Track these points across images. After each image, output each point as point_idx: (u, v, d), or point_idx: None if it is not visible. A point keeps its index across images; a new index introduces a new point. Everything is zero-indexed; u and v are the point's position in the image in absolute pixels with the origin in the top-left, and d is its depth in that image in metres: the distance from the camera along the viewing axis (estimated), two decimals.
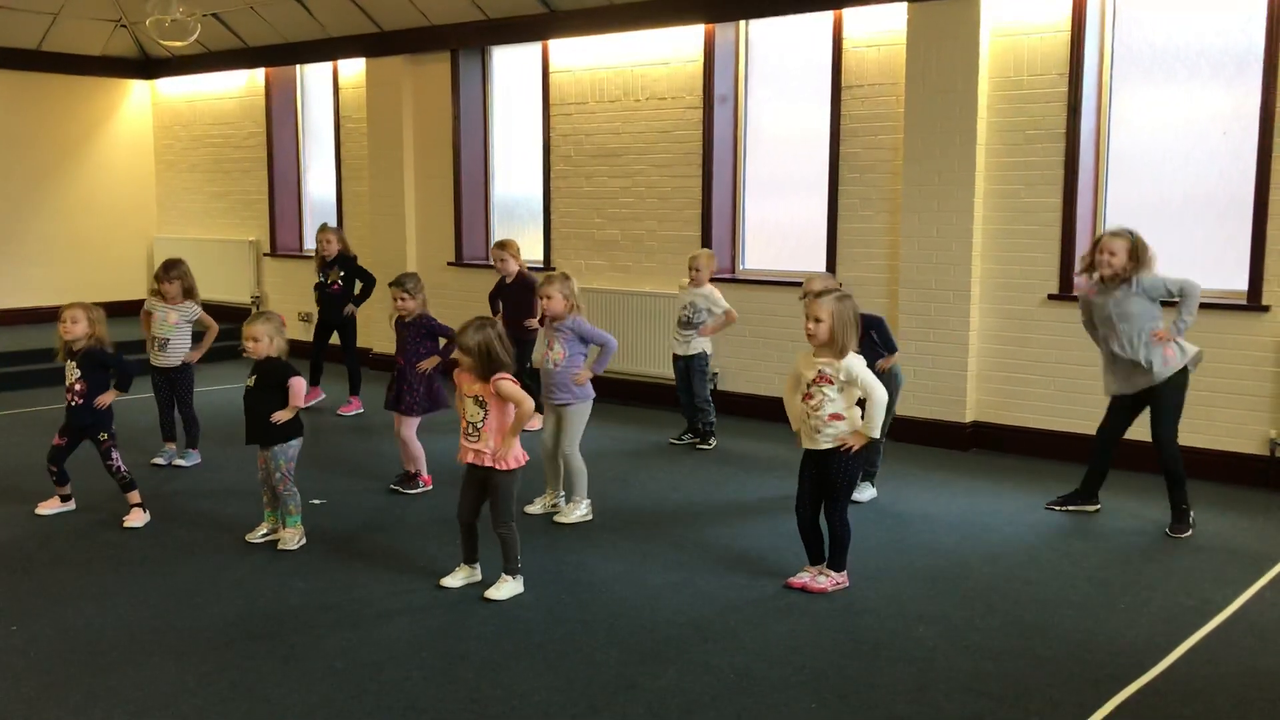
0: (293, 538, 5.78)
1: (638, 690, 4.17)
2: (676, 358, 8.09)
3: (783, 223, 9.18)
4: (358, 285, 9.37)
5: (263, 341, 5.71)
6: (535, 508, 6.38)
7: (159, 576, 5.39)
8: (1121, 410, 6.29)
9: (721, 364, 9.02)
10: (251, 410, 5.77)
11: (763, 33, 9.08)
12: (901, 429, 8.10)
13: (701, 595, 5.14)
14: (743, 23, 9.06)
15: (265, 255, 12.75)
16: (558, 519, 6.22)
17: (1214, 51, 7.20)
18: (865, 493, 6.66)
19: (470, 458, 5.09)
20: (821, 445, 5.04)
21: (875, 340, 6.47)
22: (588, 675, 4.29)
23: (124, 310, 11.55)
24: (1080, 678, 4.30)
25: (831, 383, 4.98)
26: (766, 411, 8.53)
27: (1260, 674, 4.36)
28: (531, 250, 10.09)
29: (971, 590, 5.23)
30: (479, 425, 5.04)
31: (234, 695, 4.13)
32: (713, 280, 8.11)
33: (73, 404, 6.13)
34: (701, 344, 8.02)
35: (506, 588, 5.09)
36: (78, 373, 6.11)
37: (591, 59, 9.74)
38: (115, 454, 6.18)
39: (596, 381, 6.36)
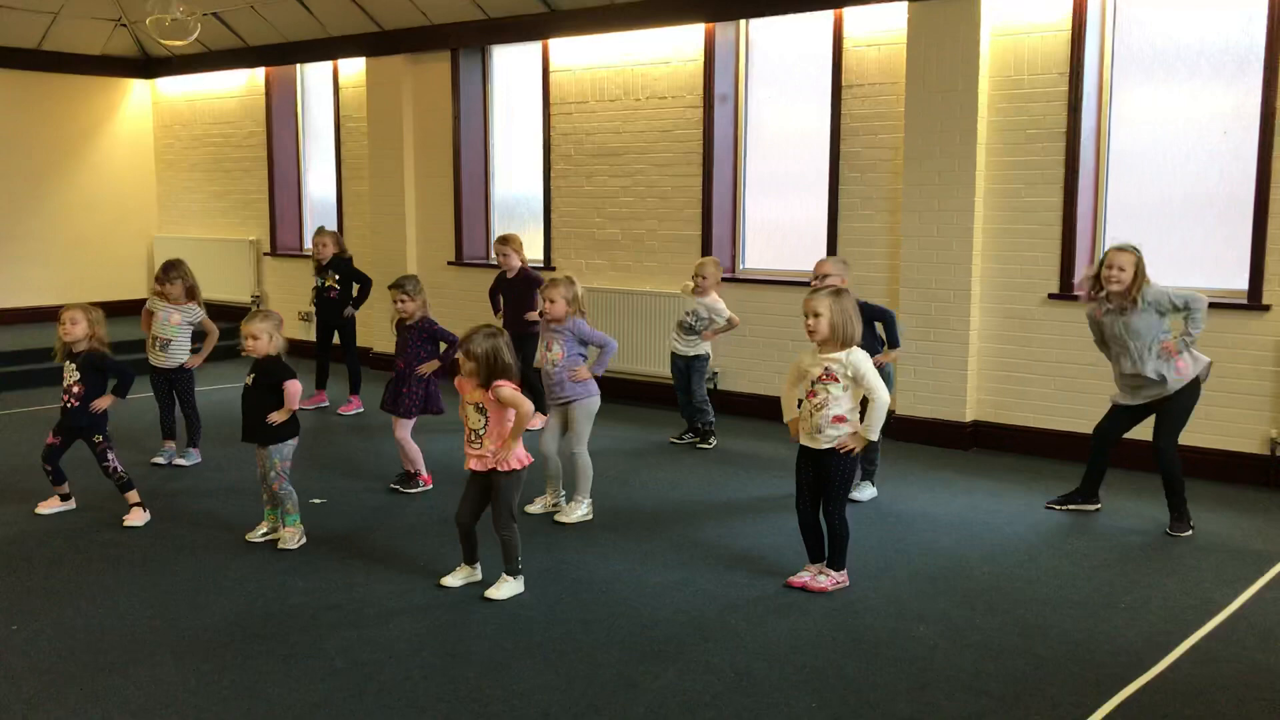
0: (292, 537, 5.78)
1: (638, 689, 4.17)
2: (676, 356, 8.08)
3: (783, 222, 9.18)
4: (355, 288, 9.36)
5: (262, 339, 5.71)
6: (535, 507, 6.37)
7: (159, 576, 5.39)
8: (1123, 413, 6.29)
9: (721, 364, 9.02)
10: (249, 409, 5.77)
11: (763, 32, 9.08)
12: (902, 428, 8.12)
13: (702, 594, 5.14)
14: (743, 22, 9.05)
15: (265, 255, 12.75)
16: (558, 519, 6.22)
17: (1214, 51, 7.20)
18: (865, 492, 6.66)
19: (474, 464, 5.09)
20: (820, 445, 5.03)
21: (878, 334, 6.48)
22: (588, 674, 4.29)
23: (124, 310, 11.54)
24: (1080, 677, 4.30)
25: (837, 380, 4.96)
26: (766, 411, 8.52)
27: (1261, 673, 4.36)
28: (532, 250, 10.08)
29: (972, 589, 5.23)
30: (481, 432, 5.04)
31: (234, 694, 4.13)
32: (719, 284, 8.10)
33: (69, 405, 6.13)
34: (703, 345, 8.02)
35: (507, 587, 5.09)
36: (76, 375, 6.11)
37: (592, 58, 9.74)
38: (111, 455, 6.18)
39: (600, 381, 6.35)
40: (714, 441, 8.08)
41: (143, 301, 7.67)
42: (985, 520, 6.31)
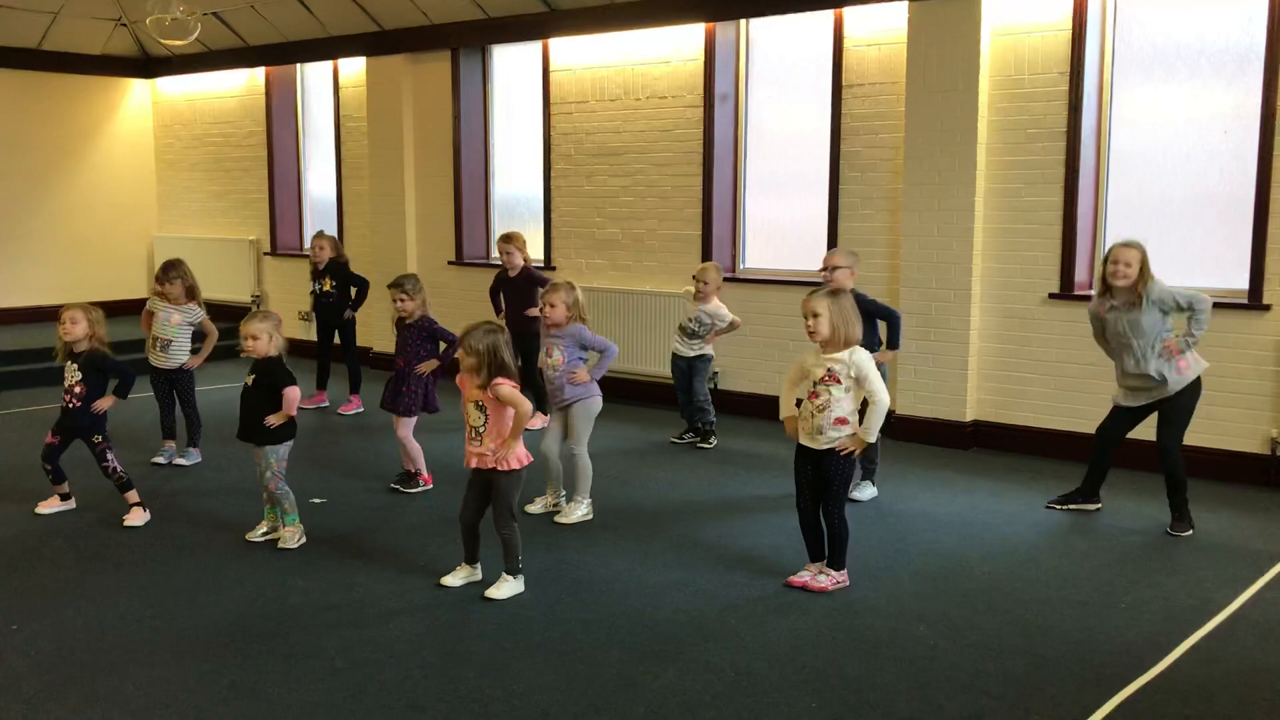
0: (292, 536, 5.78)
1: (638, 689, 4.17)
2: (677, 358, 8.08)
3: (783, 222, 9.18)
4: (353, 290, 9.37)
5: (261, 339, 5.71)
6: (536, 508, 6.37)
7: (159, 575, 5.39)
8: (1125, 413, 6.28)
9: (722, 363, 9.02)
10: (247, 409, 5.78)
11: (763, 31, 9.08)
12: (902, 428, 8.11)
13: (702, 594, 5.13)
14: (743, 21, 9.05)
15: (265, 254, 12.75)
16: (558, 519, 6.22)
17: (1215, 50, 7.20)
18: (866, 491, 6.66)
19: (474, 462, 5.09)
20: (820, 446, 5.03)
21: (878, 334, 6.48)
22: (588, 674, 4.29)
23: (124, 310, 11.54)
24: (1081, 677, 4.30)
25: (839, 382, 4.96)
26: (767, 411, 8.52)
27: (1262, 673, 4.36)
28: (532, 249, 10.05)
29: (972, 589, 5.22)
30: (481, 430, 5.05)
31: (234, 694, 4.12)
32: (720, 289, 8.10)
33: (70, 405, 6.13)
34: (705, 346, 8.02)
35: (507, 587, 5.09)
36: (78, 375, 6.11)
37: (592, 58, 9.74)
38: (110, 455, 6.17)
39: (601, 381, 6.35)
40: (714, 441, 8.07)
41: (143, 301, 7.67)
42: (985, 520, 6.31)
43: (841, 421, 4.99)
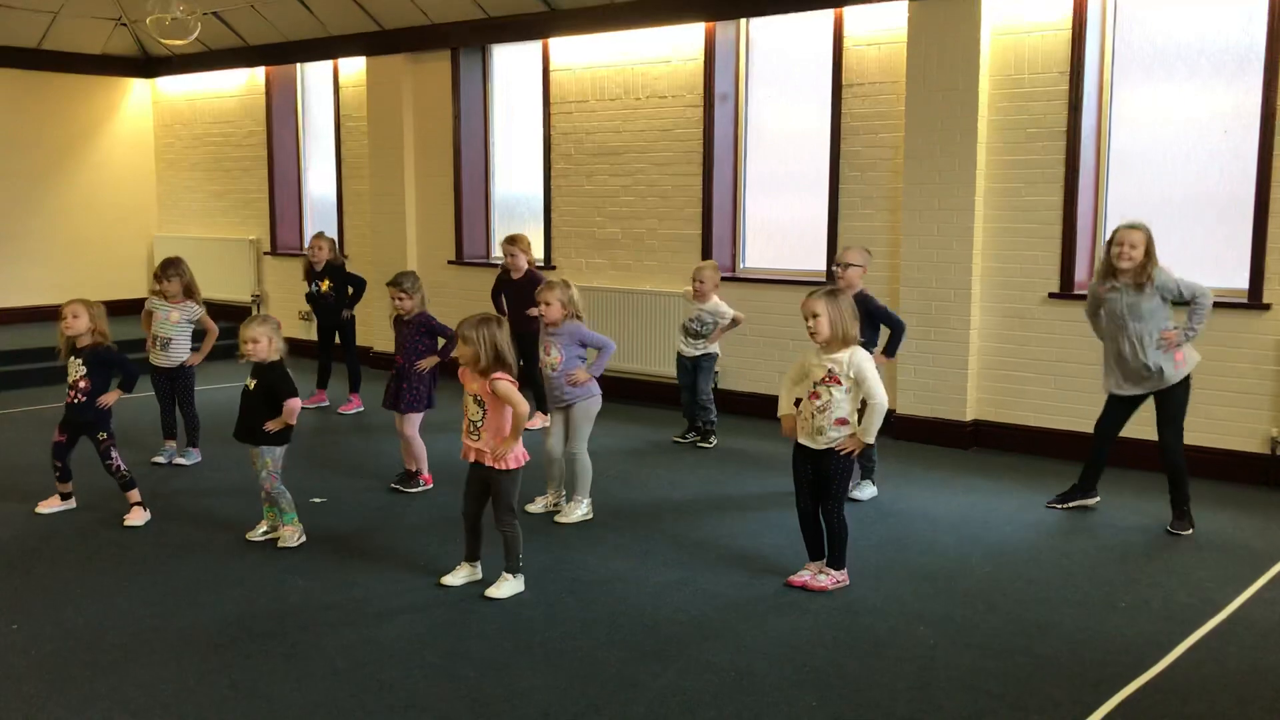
0: (292, 535, 5.78)
1: (639, 688, 4.17)
2: (682, 356, 8.08)
3: (783, 221, 9.18)
4: (349, 290, 9.37)
5: (261, 343, 5.71)
6: (536, 507, 6.37)
7: (159, 575, 5.39)
8: (1120, 406, 6.28)
9: (722, 363, 8.98)
10: (246, 411, 5.78)
11: (763, 31, 9.08)
12: (902, 427, 8.12)
13: (702, 594, 5.13)
14: (743, 21, 9.05)
15: (265, 254, 12.75)
16: (559, 519, 6.22)
17: (1215, 50, 7.20)
18: (866, 491, 6.66)
19: (471, 456, 5.10)
20: (819, 445, 5.03)
21: (876, 334, 6.48)
22: (588, 674, 4.29)
23: (124, 309, 11.55)
24: (1081, 676, 4.30)
25: (840, 383, 4.96)
26: (767, 410, 8.49)
27: (1262, 672, 4.36)
28: (532, 249, 10.07)
29: (972, 589, 5.22)
30: (479, 424, 5.05)
31: (234, 694, 4.13)
32: (719, 286, 8.11)
33: (75, 401, 6.13)
34: (712, 346, 8.02)
35: (507, 586, 5.09)
36: (82, 369, 6.11)
37: (592, 57, 9.74)
38: (114, 453, 6.18)
39: (601, 380, 6.35)
40: (714, 440, 8.07)
41: (143, 301, 7.67)
42: (985, 519, 6.31)
43: (842, 422, 4.99)
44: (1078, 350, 7.39)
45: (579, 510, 6.26)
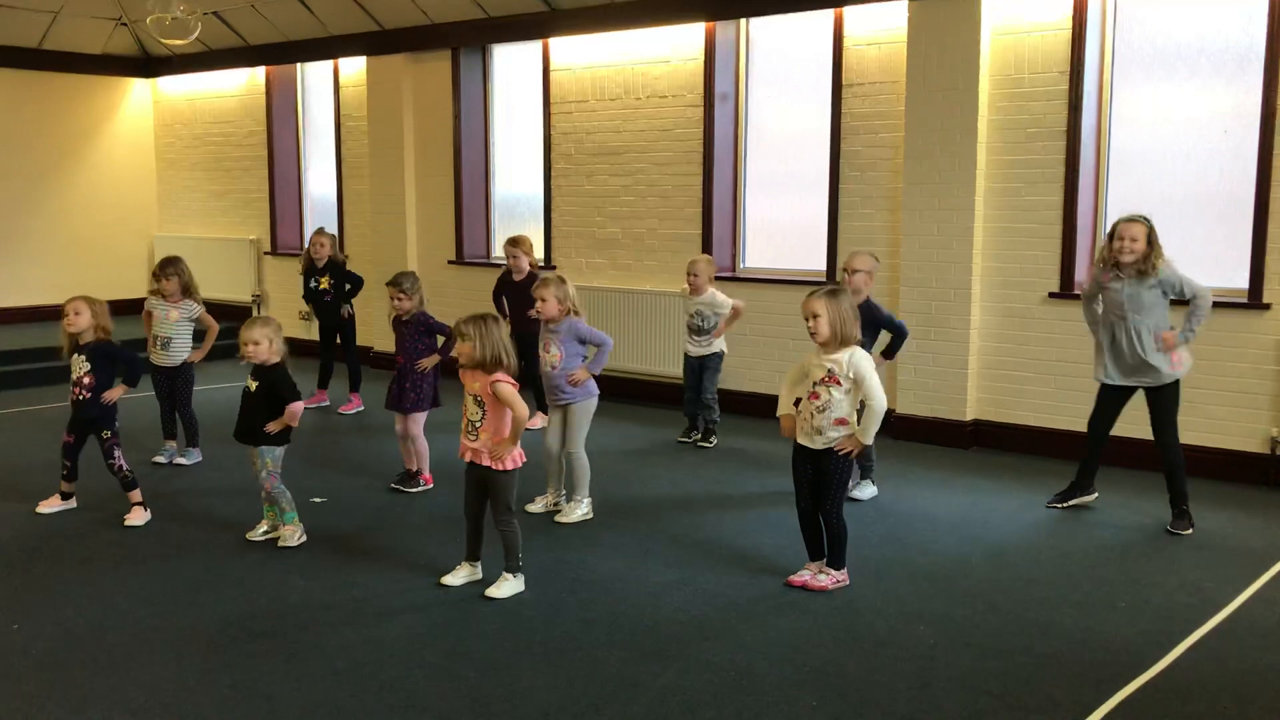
0: (292, 534, 5.78)
1: (639, 688, 4.17)
2: (689, 357, 8.08)
3: (783, 221, 9.18)
4: (346, 286, 9.38)
5: (263, 344, 5.70)
6: (536, 506, 6.38)
7: (160, 575, 5.39)
8: (1112, 400, 6.28)
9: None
10: (247, 411, 5.78)
11: (763, 31, 9.08)
12: (902, 427, 8.12)
13: (702, 593, 5.14)
14: (743, 21, 9.05)
15: (266, 254, 12.75)
16: (559, 518, 6.22)
17: (1215, 50, 7.20)
18: (866, 491, 6.66)
19: (469, 456, 5.10)
20: (818, 446, 5.03)
21: (876, 337, 6.48)
22: (589, 673, 4.29)
23: (125, 309, 11.52)
24: (1081, 676, 4.30)
25: (840, 384, 4.96)
26: (767, 410, 8.48)
27: (1262, 671, 4.36)
28: (534, 251, 10.09)
29: (972, 588, 5.22)
30: (478, 424, 5.05)
31: (235, 693, 4.13)
32: (714, 280, 8.12)
33: (80, 397, 6.12)
34: (718, 343, 8.01)
35: (507, 586, 5.09)
36: (86, 365, 6.11)
37: (592, 57, 9.74)
38: (117, 452, 6.18)
39: (599, 379, 6.36)
40: (715, 440, 8.08)
41: (143, 300, 7.67)
42: (985, 519, 6.31)
43: (841, 422, 4.99)
44: (1078, 350, 7.39)
45: (579, 510, 6.26)
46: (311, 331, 10.13)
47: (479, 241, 10.97)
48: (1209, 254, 7.23)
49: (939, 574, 5.42)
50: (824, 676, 4.28)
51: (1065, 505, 6.48)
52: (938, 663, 4.41)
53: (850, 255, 6.67)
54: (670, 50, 9.28)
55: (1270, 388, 6.97)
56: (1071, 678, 4.28)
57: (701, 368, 8.03)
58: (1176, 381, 6.08)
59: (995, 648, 4.55)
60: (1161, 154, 7.46)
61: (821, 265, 8.67)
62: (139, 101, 13.77)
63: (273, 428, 5.69)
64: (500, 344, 5.03)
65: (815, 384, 5.00)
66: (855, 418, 5.03)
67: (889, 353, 6.58)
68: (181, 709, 4.01)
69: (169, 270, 7.40)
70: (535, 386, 7.61)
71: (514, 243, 8.57)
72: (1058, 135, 7.53)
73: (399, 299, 6.85)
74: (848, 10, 8.30)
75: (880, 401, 4.95)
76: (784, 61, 9.02)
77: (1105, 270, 6.09)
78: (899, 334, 6.58)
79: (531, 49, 10.31)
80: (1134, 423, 6.36)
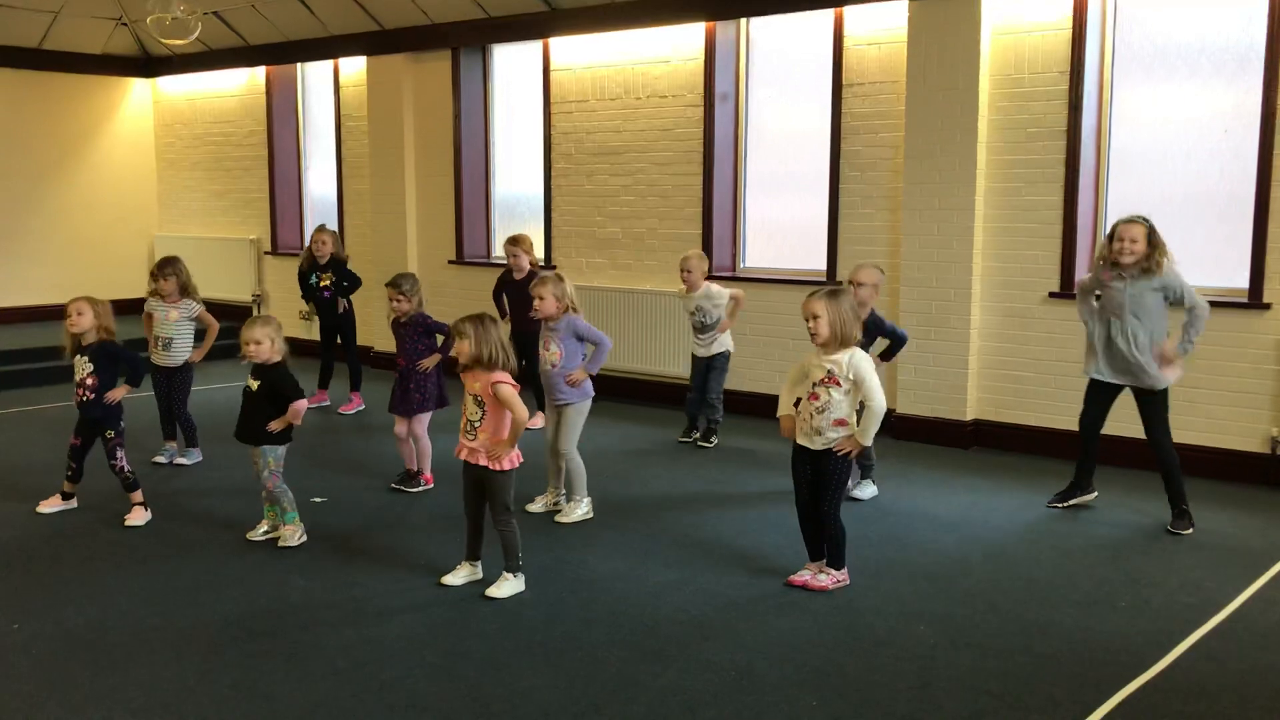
0: (292, 534, 5.78)
1: (639, 688, 4.17)
2: (696, 357, 8.09)
3: (784, 221, 9.18)
4: (345, 284, 9.38)
5: (264, 344, 5.70)
6: (537, 506, 6.38)
7: (160, 574, 5.39)
8: (1101, 396, 6.29)
9: None
10: (248, 411, 5.78)
11: (764, 30, 9.08)
12: (902, 427, 8.12)
13: (702, 593, 5.14)
14: (744, 20, 9.05)
15: (266, 254, 12.75)
16: (559, 518, 6.22)
17: (1215, 49, 7.20)
18: (866, 490, 6.66)
19: (465, 455, 5.10)
20: (818, 446, 5.03)
21: (870, 342, 6.48)
22: (589, 673, 4.29)
23: (125, 309, 11.49)
24: (1081, 676, 4.30)
25: (839, 385, 4.96)
26: (767, 409, 8.49)
27: (1262, 671, 4.36)
28: (534, 250, 10.08)
29: (972, 588, 5.23)
30: (476, 424, 5.05)
31: (235, 693, 4.13)
32: (710, 277, 8.12)
33: (84, 399, 6.12)
34: (724, 342, 8.00)
35: (508, 585, 5.09)
36: (89, 366, 6.10)
37: (592, 57, 9.74)
38: (120, 453, 6.17)
39: (598, 380, 6.36)
40: (715, 440, 8.08)
41: (144, 300, 7.67)
42: (986, 519, 6.31)
43: (840, 423, 4.99)
44: (1078, 350, 7.36)
45: (579, 510, 6.26)
46: (312, 331, 10.13)
47: (479, 241, 10.97)
48: (1209, 254, 7.24)
49: (939, 574, 5.42)
50: (824, 676, 4.28)
51: (1065, 505, 6.48)
52: (938, 663, 4.41)
53: (855, 268, 6.60)
54: (670, 50, 9.28)
55: (1270, 388, 6.97)
56: (1071, 678, 4.28)
57: (708, 368, 8.03)
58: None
59: (995, 648, 4.55)
60: (1162, 154, 7.46)
61: (822, 265, 8.67)
62: (139, 101, 13.77)
63: (275, 426, 5.69)
64: (498, 343, 5.04)
65: (815, 384, 5.00)
66: (855, 419, 5.03)
67: (886, 355, 6.59)
68: (181, 709, 4.01)
69: (167, 271, 7.40)
70: (535, 386, 7.61)
71: (514, 241, 8.56)
72: (1058, 135, 7.53)
73: (397, 300, 6.84)
74: (848, 10, 8.30)
75: (880, 403, 4.95)
76: (784, 61, 9.02)
77: (1106, 268, 6.09)
78: (897, 340, 6.58)
79: (532, 49, 10.31)
80: (1134, 422, 6.35)
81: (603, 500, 6.49)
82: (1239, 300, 7.02)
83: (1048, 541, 5.93)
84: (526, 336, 7.93)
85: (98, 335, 6.14)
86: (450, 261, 10.95)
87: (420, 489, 6.79)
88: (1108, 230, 7.31)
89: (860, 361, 4.96)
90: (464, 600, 5.04)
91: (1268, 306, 6.93)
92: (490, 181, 10.96)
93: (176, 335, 7.39)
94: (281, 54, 12.03)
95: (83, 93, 13.24)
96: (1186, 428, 7.02)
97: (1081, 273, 7.62)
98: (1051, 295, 7.66)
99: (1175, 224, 7.26)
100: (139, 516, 6.16)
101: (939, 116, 7.83)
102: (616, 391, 9.37)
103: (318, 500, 6.54)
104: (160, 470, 7.30)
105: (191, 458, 7.50)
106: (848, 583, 5.21)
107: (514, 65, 10.67)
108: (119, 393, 6.15)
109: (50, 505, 6.36)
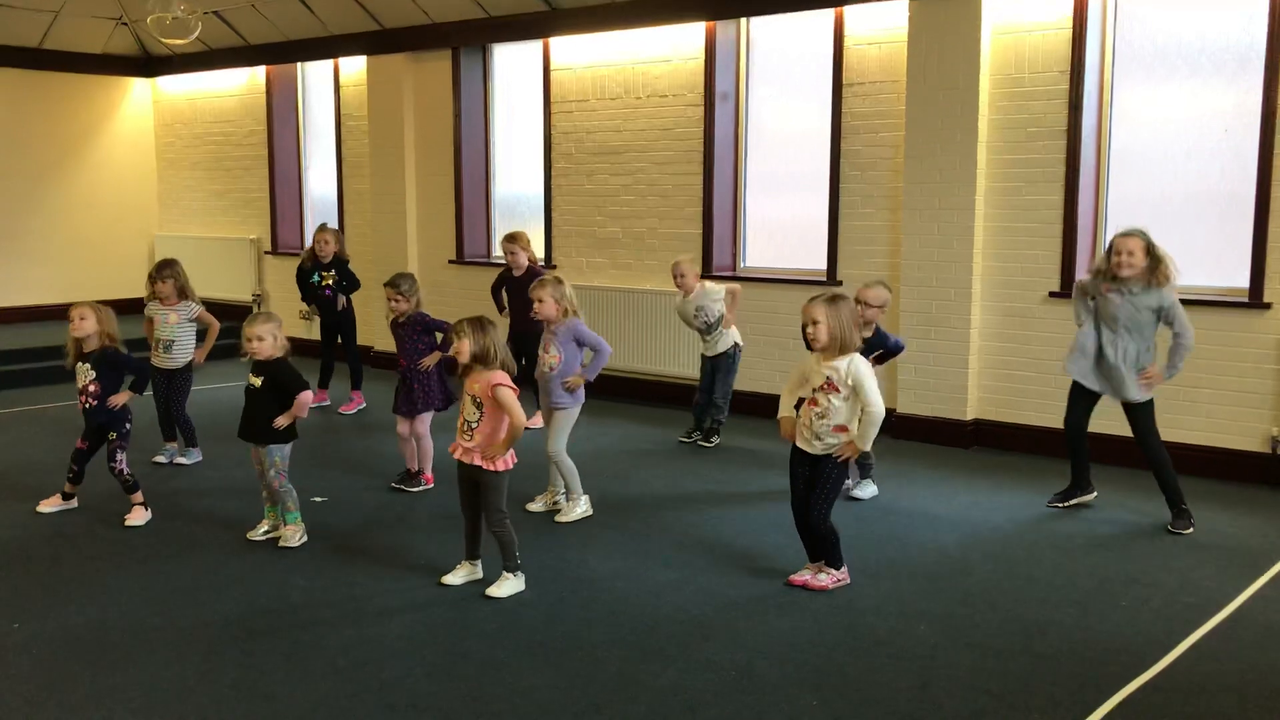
0: (293, 534, 5.78)
1: (639, 688, 4.17)
2: (704, 358, 8.09)
3: (784, 220, 9.18)
4: (344, 283, 9.39)
5: (266, 340, 5.70)
6: (537, 506, 6.38)
7: (160, 574, 5.39)
8: (1084, 399, 6.33)
9: None
10: (252, 409, 5.77)
11: (764, 30, 9.08)
12: (903, 427, 8.12)
13: (702, 593, 5.14)
14: (744, 20, 9.05)
15: (266, 253, 12.75)
16: (558, 518, 6.22)
17: (1215, 49, 7.19)
18: (866, 490, 6.66)
19: (459, 454, 5.10)
20: (816, 451, 5.03)
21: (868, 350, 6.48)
22: (589, 673, 4.29)
23: (125, 309, 11.49)
24: (1081, 675, 4.30)
25: (838, 391, 4.95)
26: (768, 410, 8.49)
27: (1262, 671, 4.36)
28: (533, 248, 10.08)
29: (972, 588, 5.23)
30: (474, 425, 5.05)
31: (236, 693, 4.13)
32: (704, 276, 8.12)
33: (87, 406, 6.12)
34: (730, 338, 7.99)
35: (507, 585, 5.09)
36: (92, 374, 6.09)
37: (593, 56, 9.74)
38: (120, 456, 6.17)
39: (598, 380, 6.35)
40: (716, 440, 8.08)
41: (143, 300, 7.67)
42: (986, 518, 6.31)
43: (840, 429, 4.99)
44: None
45: (577, 508, 6.26)
46: (312, 331, 10.13)
47: (479, 241, 10.97)
48: (1209, 254, 7.24)
49: (939, 574, 5.42)
50: (824, 676, 4.28)
51: (1065, 505, 6.49)
52: (938, 663, 4.41)
53: (863, 287, 6.49)
54: (671, 50, 9.28)
55: (1270, 387, 6.97)
56: (1071, 678, 4.28)
57: (714, 368, 8.03)
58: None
59: (995, 648, 4.55)
60: (1162, 153, 7.46)
61: (822, 265, 8.67)
62: (139, 101, 13.77)
63: (282, 421, 5.69)
64: (496, 342, 5.05)
65: (814, 390, 5.00)
66: (856, 424, 5.02)
67: (880, 359, 6.57)
68: (181, 708, 4.01)
69: (164, 273, 7.39)
70: (534, 386, 7.62)
71: (511, 239, 8.56)
72: (1058, 134, 7.53)
73: (396, 300, 6.84)
74: (848, 10, 8.30)
75: (878, 409, 4.94)
76: (784, 61, 9.02)
77: (1105, 281, 6.08)
78: (894, 351, 6.57)
79: (532, 48, 10.31)
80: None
81: (602, 500, 6.49)
82: (1239, 300, 7.02)
83: (1048, 541, 5.93)
84: (526, 336, 7.94)
85: (100, 342, 6.13)
86: (450, 261, 10.95)
87: (420, 489, 6.79)
88: (1108, 236, 7.34)
89: (859, 368, 4.96)
90: (464, 600, 5.04)
91: (1268, 306, 6.93)
92: (490, 181, 10.96)
93: (177, 338, 7.38)
94: (282, 53, 12.02)
95: (83, 92, 13.24)
96: (1186, 427, 7.02)
97: (1081, 273, 7.62)
98: (1052, 295, 7.65)
99: (1175, 224, 7.29)
100: (139, 516, 6.16)
101: (939, 116, 7.83)
102: (616, 391, 9.37)
103: (318, 500, 6.53)
104: (160, 470, 7.30)
105: (191, 457, 7.50)
106: (848, 582, 5.21)
107: (514, 65, 10.67)
108: (121, 398, 6.14)
109: (50, 505, 6.36)
